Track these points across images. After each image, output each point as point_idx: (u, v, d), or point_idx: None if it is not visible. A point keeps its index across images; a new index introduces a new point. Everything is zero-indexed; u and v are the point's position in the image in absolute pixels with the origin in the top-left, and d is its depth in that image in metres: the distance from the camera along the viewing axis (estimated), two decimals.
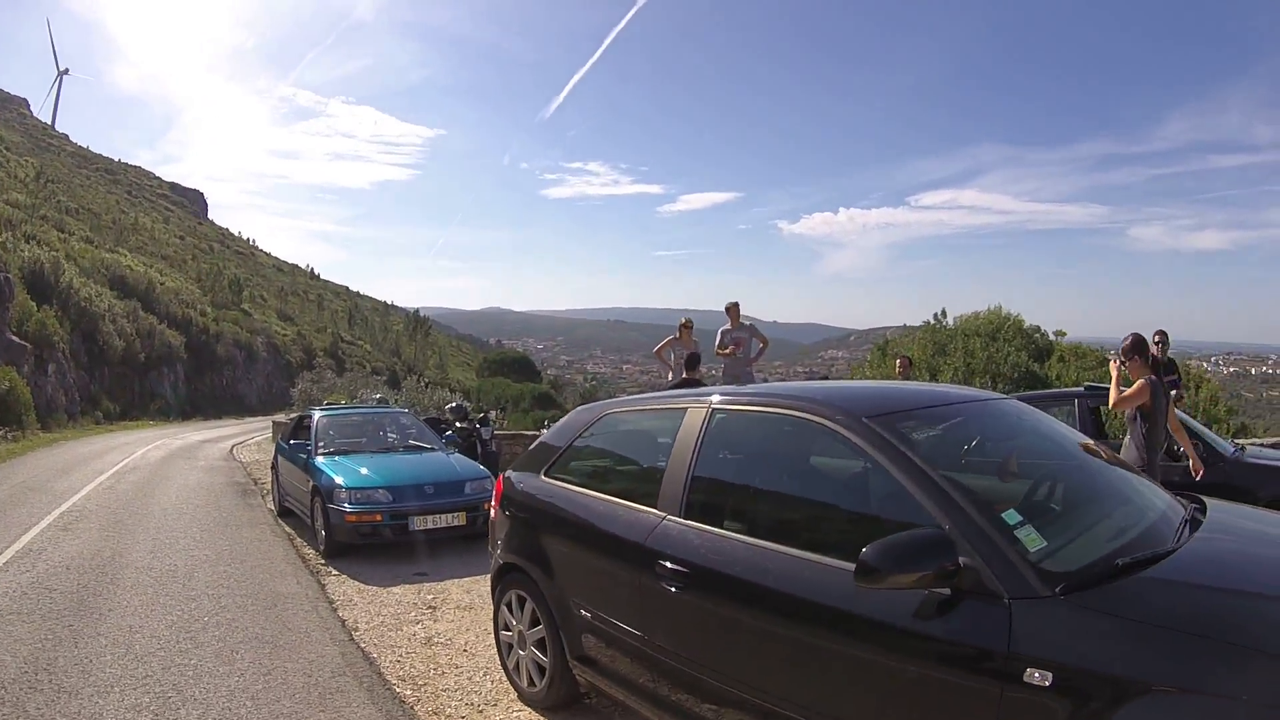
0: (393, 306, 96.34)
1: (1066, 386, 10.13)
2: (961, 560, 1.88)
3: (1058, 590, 1.82)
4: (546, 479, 3.52)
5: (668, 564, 2.59)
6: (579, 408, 3.97)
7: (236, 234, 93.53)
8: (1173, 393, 5.91)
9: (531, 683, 3.47)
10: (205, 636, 4.43)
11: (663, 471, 2.87)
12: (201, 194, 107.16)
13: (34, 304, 25.38)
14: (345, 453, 7.42)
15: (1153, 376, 5.01)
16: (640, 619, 2.74)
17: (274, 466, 9.20)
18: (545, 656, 3.33)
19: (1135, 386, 4.96)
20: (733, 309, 8.88)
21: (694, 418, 2.87)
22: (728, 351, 8.64)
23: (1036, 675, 1.71)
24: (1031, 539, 1.95)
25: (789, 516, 2.55)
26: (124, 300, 34.78)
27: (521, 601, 3.48)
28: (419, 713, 3.49)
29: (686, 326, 9.00)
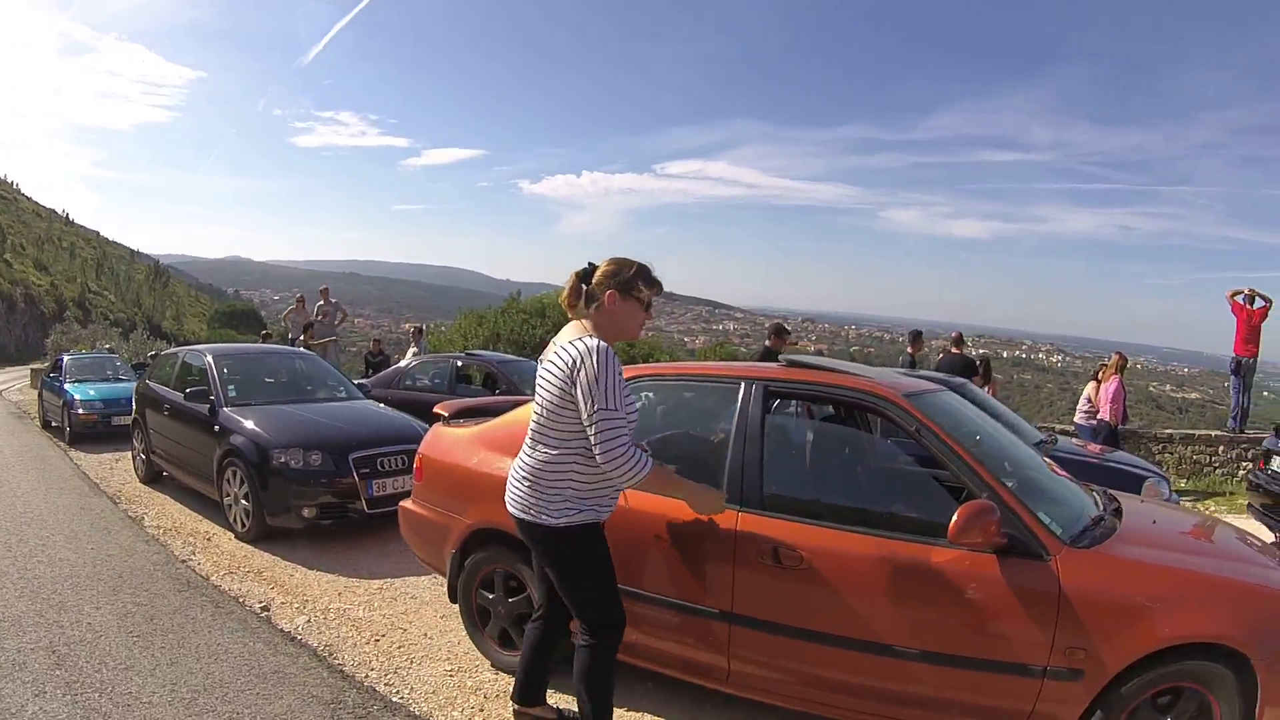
0: (139, 254, 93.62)
1: None
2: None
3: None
4: (148, 382, 9.06)
5: (165, 406, 8.28)
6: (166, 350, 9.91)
7: (1, 177, 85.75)
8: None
9: (140, 469, 9.23)
10: (12, 468, 9.88)
11: (177, 371, 8.49)
12: None
13: None
14: (81, 381, 12.57)
15: None
16: (160, 426, 8.31)
17: (40, 396, 14.26)
18: (144, 456, 9.28)
19: None
20: (324, 291, 14.59)
21: (201, 356, 8.76)
22: (318, 319, 14.31)
23: None
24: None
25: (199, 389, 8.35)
26: None
27: (139, 434, 9.27)
28: (100, 485, 9.17)
29: (301, 300, 14.76)
